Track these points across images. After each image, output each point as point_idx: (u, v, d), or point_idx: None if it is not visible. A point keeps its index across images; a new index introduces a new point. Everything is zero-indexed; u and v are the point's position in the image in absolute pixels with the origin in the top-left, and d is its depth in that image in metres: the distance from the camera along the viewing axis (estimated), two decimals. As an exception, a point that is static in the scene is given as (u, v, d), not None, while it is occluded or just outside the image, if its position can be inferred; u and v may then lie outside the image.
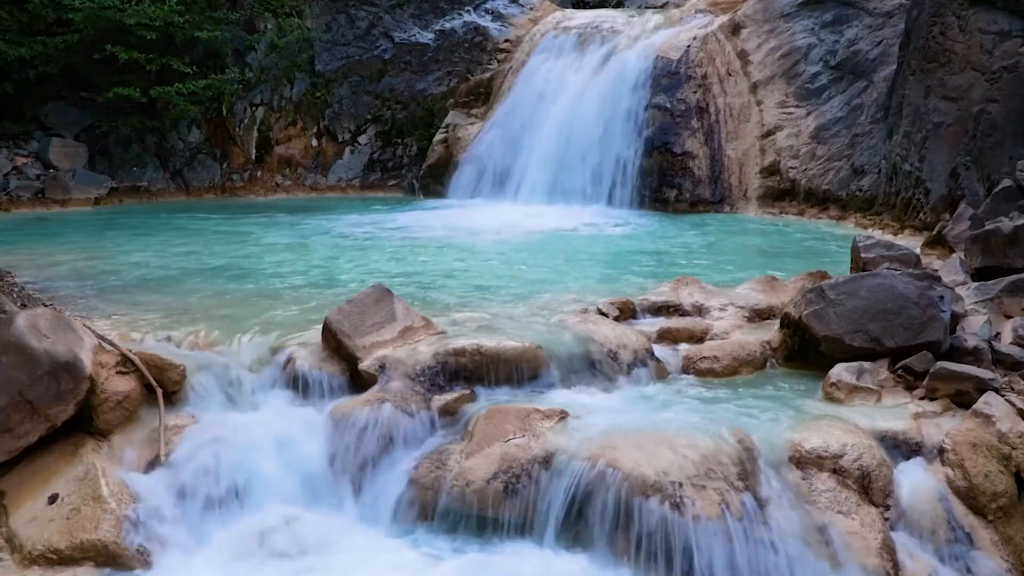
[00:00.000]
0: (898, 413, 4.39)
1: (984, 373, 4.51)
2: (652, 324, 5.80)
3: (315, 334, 5.12)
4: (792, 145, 12.44)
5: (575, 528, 3.92)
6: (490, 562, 3.88)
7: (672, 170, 12.89)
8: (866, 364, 4.80)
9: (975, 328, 5.07)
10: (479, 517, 4.06)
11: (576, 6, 17.29)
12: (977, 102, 9.10)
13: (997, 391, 4.38)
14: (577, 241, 10.04)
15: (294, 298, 6.49)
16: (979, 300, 5.60)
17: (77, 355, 4.36)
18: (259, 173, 15.08)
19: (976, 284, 5.86)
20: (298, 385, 4.82)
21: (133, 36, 12.92)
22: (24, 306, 5.55)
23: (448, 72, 15.61)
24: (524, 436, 4.18)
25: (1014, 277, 5.64)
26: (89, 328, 4.78)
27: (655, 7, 16.25)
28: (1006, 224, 6.03)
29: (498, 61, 15.52)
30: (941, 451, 4.13)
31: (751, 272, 7.27)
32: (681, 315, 5.99)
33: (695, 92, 13.23)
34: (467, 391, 4.69)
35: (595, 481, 3.87)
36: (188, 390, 4.64)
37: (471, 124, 14.91)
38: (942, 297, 4.92)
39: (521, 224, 10.98)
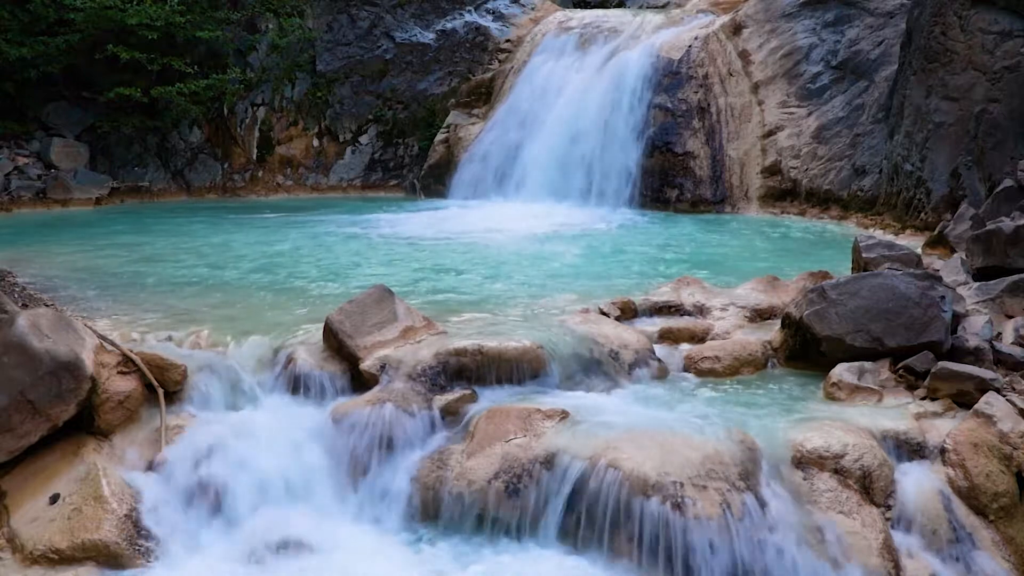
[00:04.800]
0: (899, 413, 4.38)
1: (985, 373, 4.50)
2: (653, 324, 5.80)
3: (316, 334, 5.12)
4: (793, 145, 12.43)
5: (576, 528, 3.92)
6: (491, 562, 3.89)
7: (673, 170, 12.89)
8: (867, 364, 4.80)
9: (976, 328, 5.06)
10: (480, 517, 4.06)
11: (577, 6, 17.29)
12: (978, 102, 9.09)
13: (998, 391, 4.38)
14: (578, 241, 10.03)
15: (295, 298, 6.49)
16: (980, 300, 5.59)
17: (78, 355, 4.36)
18: (260, 173, 15.09)
19: (977, 284, 5.86)
20: (299, 385, 4.82)
21: (134, 36, 12.94)
22: (25, 306, 5.55)
23: (449, 72, 15.62)
24: (525, 436, 4.18)
25: (1015, 277, 5.63)
26: (90, 328, 4.79)
27: (656, 7, 16.25)
28: (1007, 224, 6.03)
29: (499, 61, 15.52)
30: (942, 451, 4.13)
31: (752, 272, 7.26)
32: (682, 315, 5.99)
33: (696, 92, 13.23)
34: (468, 391, 4.69)
35: (596, 481, 3.87)
36: (189, 390, 4.64)
37: (472, 124, 14.91)
38: (943, 297, 4.92)
39: (522, 224, 10.97)
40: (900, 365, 4.77)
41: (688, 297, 6.15)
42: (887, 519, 3.88)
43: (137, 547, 3.91)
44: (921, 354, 4.71)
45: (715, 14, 14.49)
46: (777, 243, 10.04)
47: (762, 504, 3.77)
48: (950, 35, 9.44)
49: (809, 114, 12.49)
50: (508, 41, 15.65)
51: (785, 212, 12.19)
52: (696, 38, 13.76)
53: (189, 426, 4.45)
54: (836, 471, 3.93)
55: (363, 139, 15.59)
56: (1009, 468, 4.05)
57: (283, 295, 6.62)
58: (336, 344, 4.95)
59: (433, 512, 4.16)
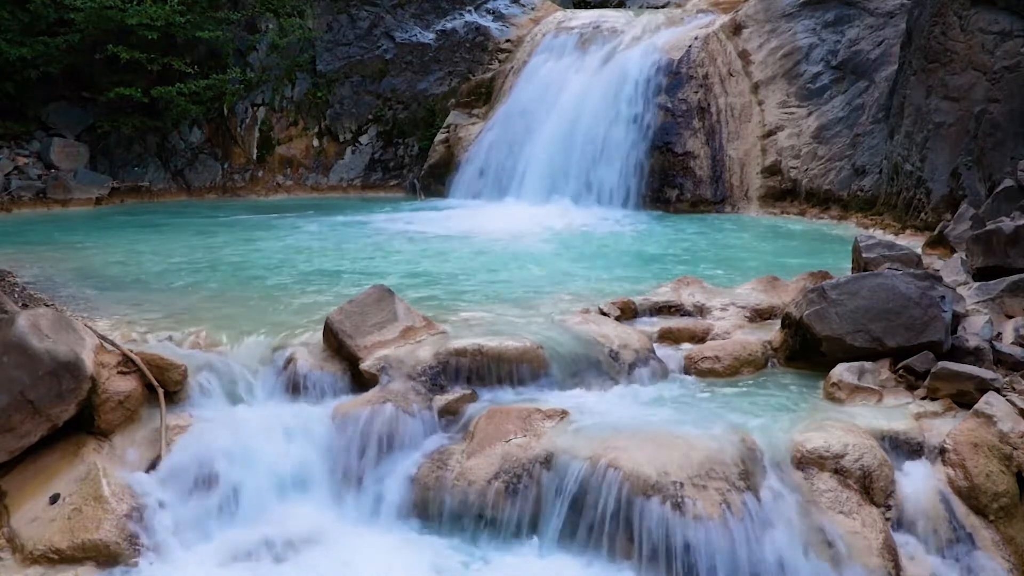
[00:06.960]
0: (899, 413, 4.38)
1: (985, 373, 4.50)
2: (653, 324, 5.80)
3: (316, 334, 5.13)
4: (793, 145, 12.43)
5: (576, 528, 3.92)
6: (491, 562, 3.89)
7: (673, 170, 12.89)
8: (867, 364, 4.80)
9: (976, 328, 5.06)
10: (480, 517, 4.06)
11: (577, 6, 17.28)
12: (978, 102, 9.09)
13: (998, 391, 4.38)
14: (578, 241, 10.04)
15: (295, 298, 6.49)
16: (980, 300, 5.59)
17: (79, 355, 4.36)
18: (260, 173, 15.08)
19: (977, 284, 5.86)
20: (299, 385, 4.82)
21: (134, 36, 12.93)
22: (25, 306, 5.55)
23: (449, 72, 15.61)
24: (525, 436, 4.19)
25: (1015, 277, 5.63)
26: (90, 328, 4.79)
27: (656, 7, 16.25)
28: (1007, 224, 6.02)
29: (499, 61, 15.51)
30: (942, 451, 4.13)
31: (752, 272, 7.26)
32: (682, 315, 5.98)
33: (696, 92, 13.23)
34: (468, 391, 4.69)
35: (596, 481, 3.87)
36: (189, 390, 4.64)
37: (472, 124, 14.90)
38: (943, 297, 4.92)
39: (522, 224, 10.97)
40: (900, 365, 4.76)
41: (688, 297, 6.15)
42: (887, 519, 3.88)
43: (137, 547, 3.92)
44: (921, 354, 4.71)
45: (715, 14, 14.49)
46: (777, 243, 10.03)
47: (762, 504, 3.77)
48: (950, 35, 9.44)
49: (809, 114, 12.49)
50: (508, 41, 15.64)
51: (785, 212, 12.19)
52: (696, 38, 13.75)
53: (189, 426, 4.45)
54: (836, 471, 3.93)
55: (363, 139, 15.58)
56: (1009, 468, 4.05)
57: (283, 295, 6.61)
58: (336, 344, 4.95)
59: (433, 512, 4.16)
